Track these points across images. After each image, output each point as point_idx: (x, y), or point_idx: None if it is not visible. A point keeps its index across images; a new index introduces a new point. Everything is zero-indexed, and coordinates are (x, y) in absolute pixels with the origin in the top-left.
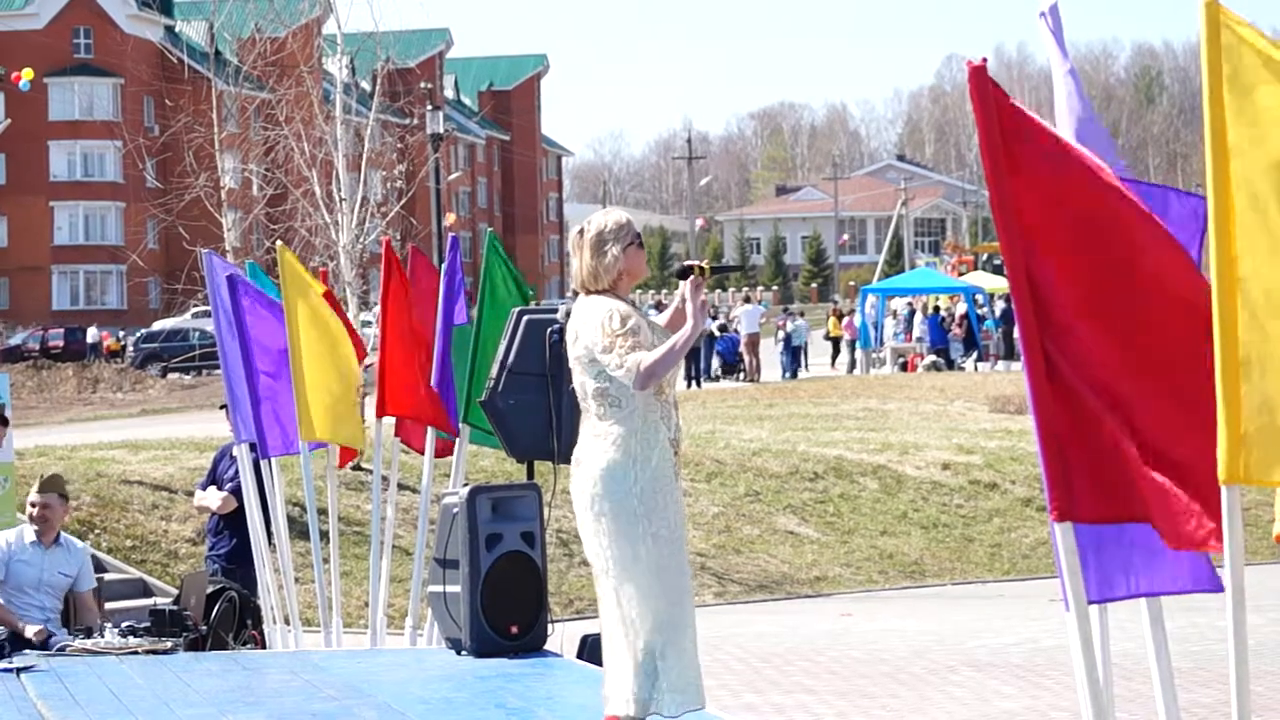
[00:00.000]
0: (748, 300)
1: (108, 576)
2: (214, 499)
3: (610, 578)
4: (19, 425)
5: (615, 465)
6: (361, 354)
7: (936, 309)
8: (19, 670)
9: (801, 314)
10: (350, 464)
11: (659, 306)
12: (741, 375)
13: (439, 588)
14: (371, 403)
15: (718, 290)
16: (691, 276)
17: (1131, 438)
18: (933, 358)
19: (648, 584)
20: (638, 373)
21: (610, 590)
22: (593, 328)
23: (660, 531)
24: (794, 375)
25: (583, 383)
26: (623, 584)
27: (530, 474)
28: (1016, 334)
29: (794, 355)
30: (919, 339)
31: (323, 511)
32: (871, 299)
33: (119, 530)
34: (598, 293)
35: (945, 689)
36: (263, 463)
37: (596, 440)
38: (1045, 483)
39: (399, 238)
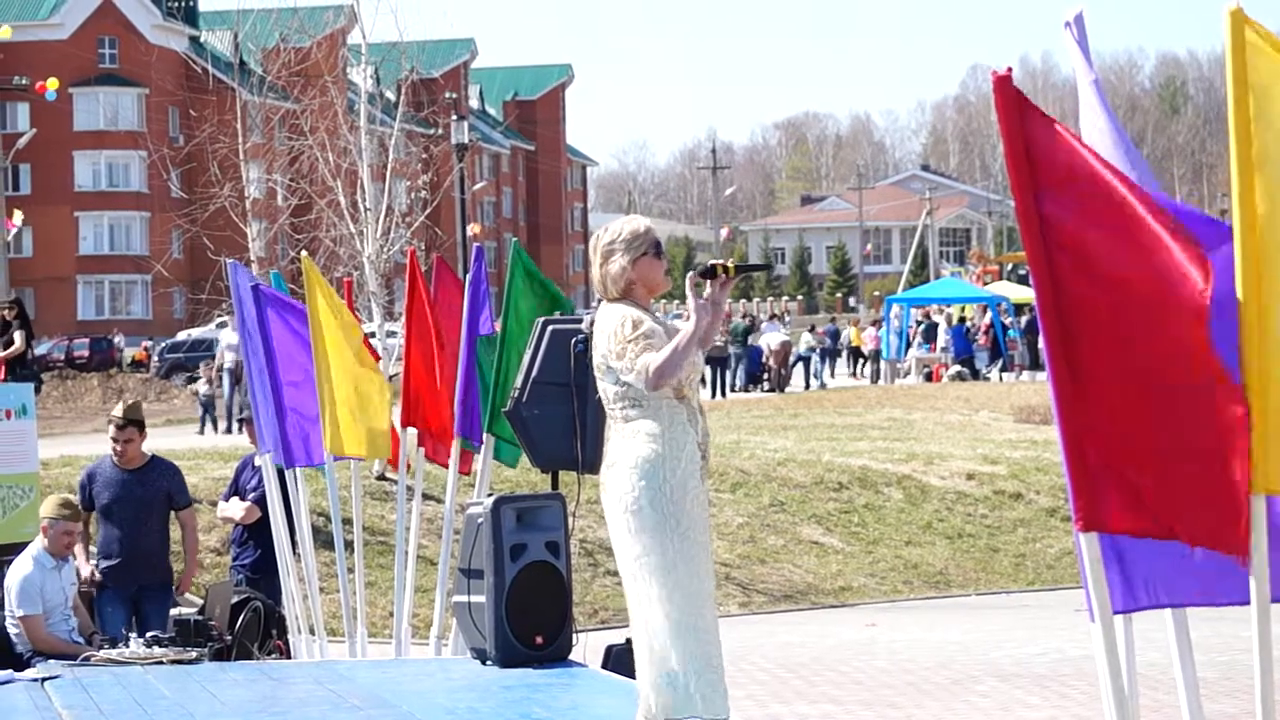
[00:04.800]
0: (773, 317)
1: None
2: (237, 510)
3: (640, 580)
4: (44, 435)
5: (646, 462)
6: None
7: (962, 319)
8: (44, 680)
9: (855, 323)
10: (378, 474)
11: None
12: (765, 386)
13: (464, 598)
14: (396, 413)
15: (742, 300)
16: (716, 277)
17: (1155, 447)
18: (958, 368)
19: (675, 585)
20: (647, 375)
21: (640, 592)
22: (606, 335)
23: (688, 533)
24: (806, 386)
25: (605, 389)
26: (652, 585)
27: (555, 484)
28: (1041, 344)
29: (807, 365)
30: (944, 349)
31: (347, 521)
32: (896, 309)
33: None
34: (615, 300)
35: (970, 699)
36: (287, 473)
37: (626, 440)
38: (1070, 492)
39: (423, 248)
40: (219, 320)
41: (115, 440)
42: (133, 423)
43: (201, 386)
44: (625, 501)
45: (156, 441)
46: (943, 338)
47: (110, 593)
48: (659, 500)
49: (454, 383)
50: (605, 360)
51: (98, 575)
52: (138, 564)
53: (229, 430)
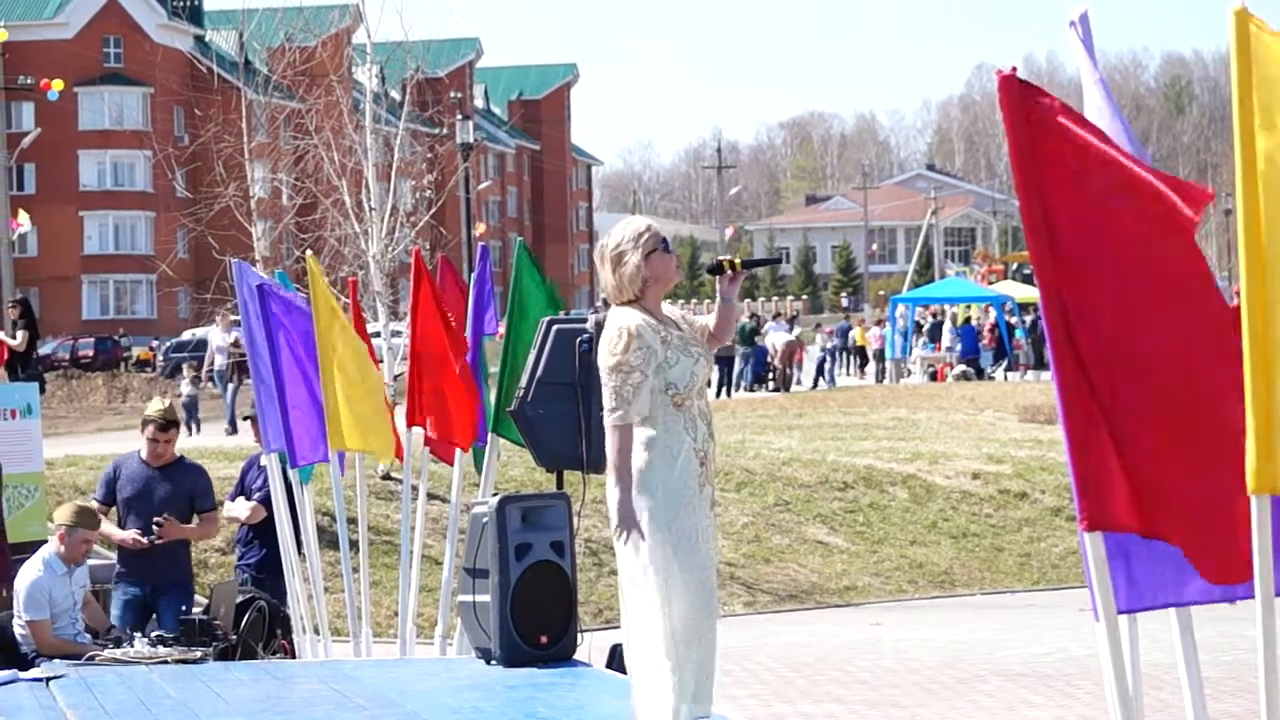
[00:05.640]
0: (777, 316)
1: None
2: (243, 509)
3: (636, 586)
4: (49, 435)
5: (639, 471)
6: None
7: (968, 320)
8: (48, 679)
9: (875, 322)
10: (383, 473)
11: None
12: (771, 385)
13: (468, 597)
14: (401, 412)
15: (747, 300)
16: (724, 273)
17: (1159, 448)
18: (963, 367)
19: (668, 594)
20: (608, 420)
21: (635, 599)
22: (602, 345)
23: (681, 543)
24: (814, 385)
25: (605, 393)
26: (646, 592)
27: (560, 483)
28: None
29: (818, 367)
30: (949, 348)
31: (352, 521)
32: (901, 308)
33: None
34: (626, 304)
35: (975, 699)
36: (292, 472)
37: None
38: (1074, 492)
39: (428, 247)
40: (232, 320)
41: (155, 441)
42: (174, 424)
43: (185, 387)
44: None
45: None
46: (948, 337)
47: (125, 588)
48: (652, 509)
49: (457, 382)
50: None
51: (144, 538)
52: (155, 561)
53: (234, 431)
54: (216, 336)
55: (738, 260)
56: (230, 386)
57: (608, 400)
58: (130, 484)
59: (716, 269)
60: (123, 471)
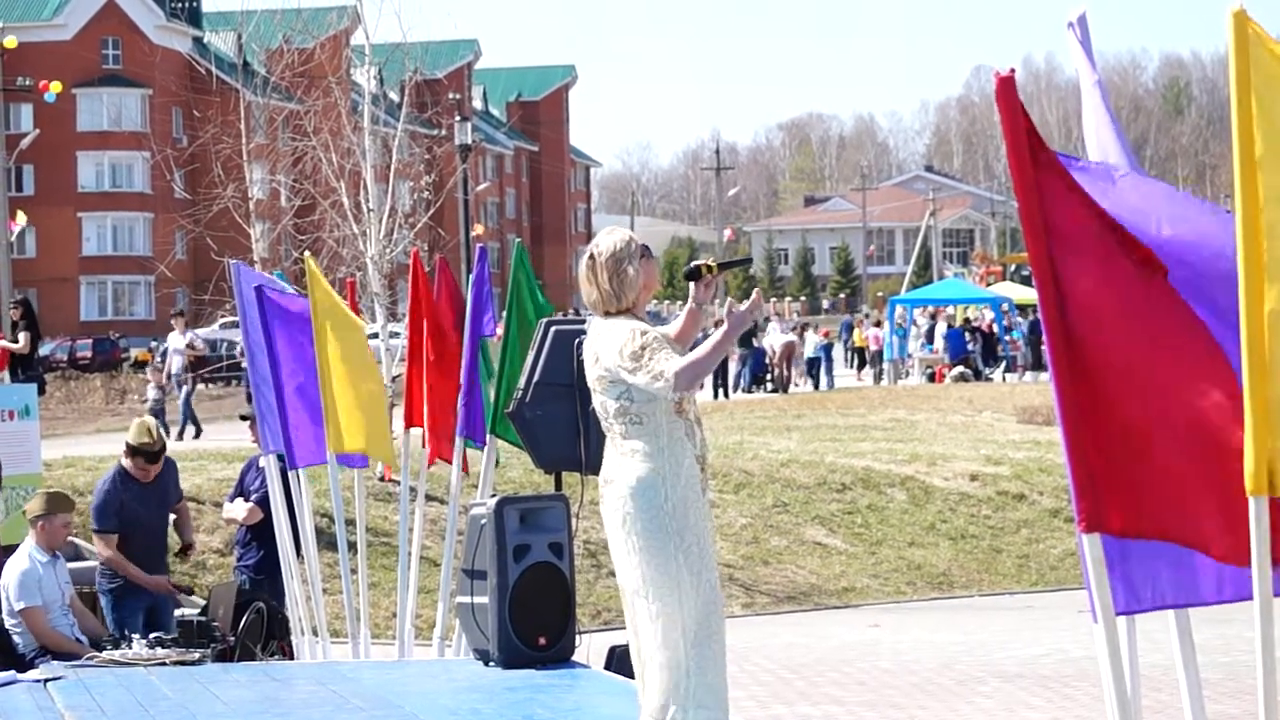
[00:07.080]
0: (773, 316)
1: None
2: (240, 510)
3: (642, 596)
4: (47, 436)
5: (645, 482)
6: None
7: (968, 320)
8: (46, 681)
9: (876, 321)
10: (379, 476)
11: None
12: (770, 386)
13: (467, 599)
14: (399, 414)
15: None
16: (701, 278)
17: (1157, 449)
18: (960, 368)
19: (680, 601)
20: (675, 379)
21: (643, 608)
22: (614, 350)
23: (691, 548)
24: (816, 386)
25: (603, 403)
26: (655, 601)
27: (558, 485)
28: (1044, 344)
29: (813, 366)
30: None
31: (350, 522)
32: (900, 310)
33: None
34: (618, 314)
35: (973, 700)
36: (290, 473)
37: (624, 458)
38: (1073, 494)
39: (427, 249)
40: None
41: (145, 470)
42: (164, 449)
43: (151, 392)
44: (627, 522)
45: None
46: (940, 339)
47: (131, 601)
48: (661, 519)
49: (456, 384)
50: (612, 373)
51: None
52: (159, 569)
53: (180, 436)
54: (175, 339)
55: (714, 263)
56: (185, 390)
57: (665, 368)
58: (140, 506)
59: (694, 274)
60: (124, 500)
